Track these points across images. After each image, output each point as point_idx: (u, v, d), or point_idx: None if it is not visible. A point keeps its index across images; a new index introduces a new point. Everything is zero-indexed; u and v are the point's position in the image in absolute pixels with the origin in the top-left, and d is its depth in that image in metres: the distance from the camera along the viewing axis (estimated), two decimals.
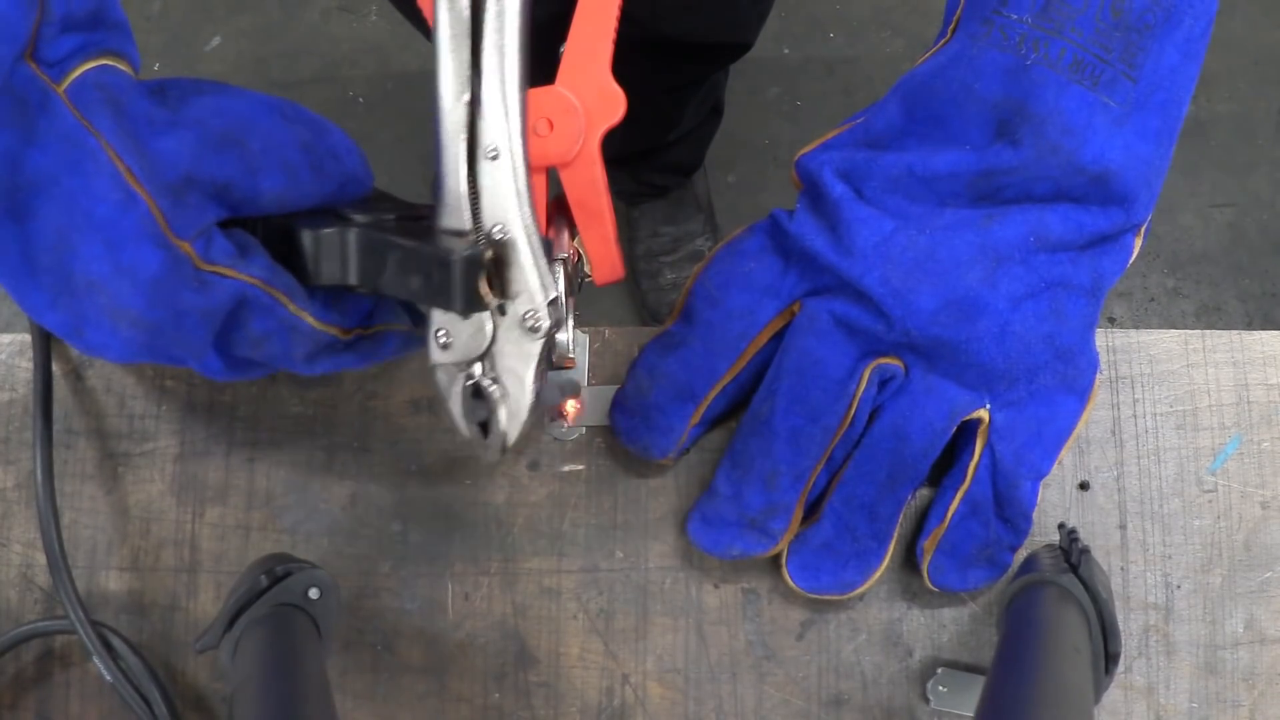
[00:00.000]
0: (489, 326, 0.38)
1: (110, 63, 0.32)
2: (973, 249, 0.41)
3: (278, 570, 0.41)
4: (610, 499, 0.48)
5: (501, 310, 0.38)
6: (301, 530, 0.48)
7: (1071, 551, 0.42)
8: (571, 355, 0.40)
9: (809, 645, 0.46)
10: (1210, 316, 1.35)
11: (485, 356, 0.38)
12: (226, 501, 0.48)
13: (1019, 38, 0.39)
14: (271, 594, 0.41)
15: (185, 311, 0.33)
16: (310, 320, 0.37)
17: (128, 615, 0.47)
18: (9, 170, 0.30)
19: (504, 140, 0.36)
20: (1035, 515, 0.44)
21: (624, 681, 0.47)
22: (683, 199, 1.32)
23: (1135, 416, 0.47)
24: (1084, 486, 0.47)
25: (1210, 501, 0.47)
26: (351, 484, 0.48)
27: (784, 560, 0.45)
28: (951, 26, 0.42)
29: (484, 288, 0.36)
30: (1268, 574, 0.46)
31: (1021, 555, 0.45)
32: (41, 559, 0.46)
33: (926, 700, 0.45)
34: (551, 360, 0.39)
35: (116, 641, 0.45)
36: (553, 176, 0.42)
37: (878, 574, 0.44)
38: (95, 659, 0.44)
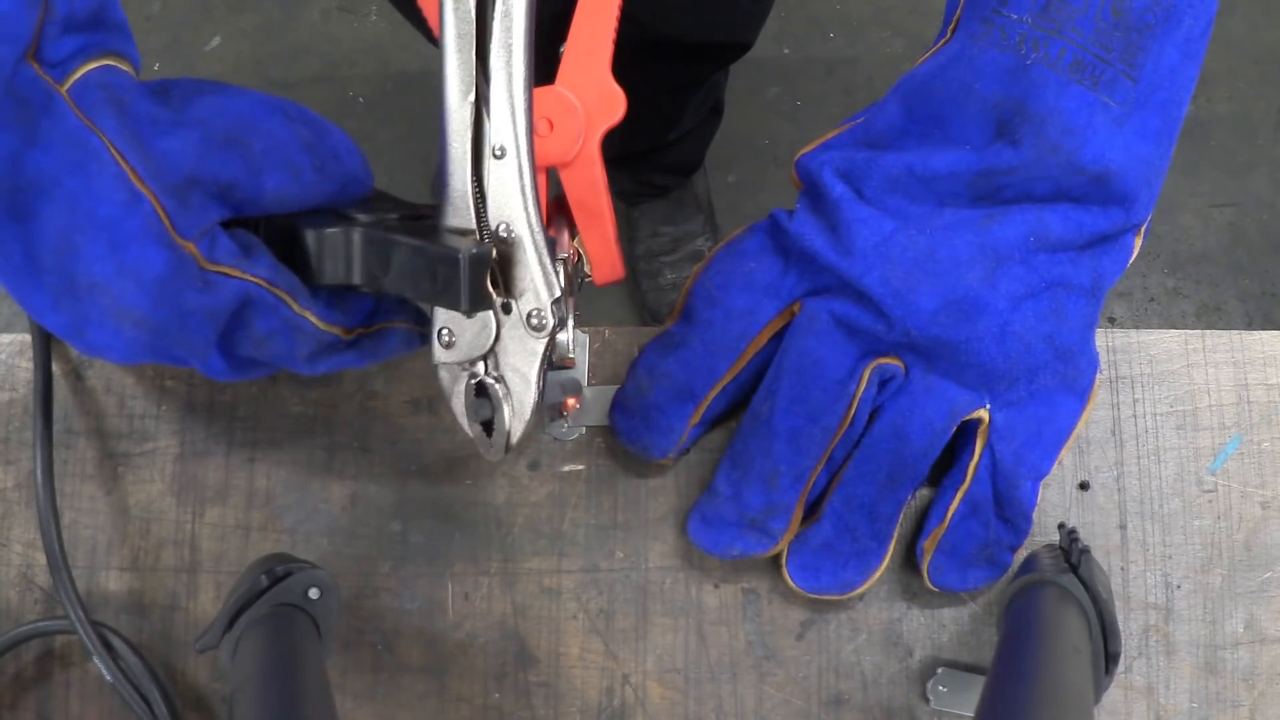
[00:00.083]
0: (493, 325, 0.38)
1: (112, 63, 0.33)
2: (973, 249, 0.41)
3: (278, 570, 0.41)
4: (610, 499, 0.48)
5: (506, 309, 0.38)
6: (301, 530, 0.48)
7: (1071, 551, 0.42)
8: (572, 355, 0.40)
9: (809, 645, 0.46)
10: (1210, 316, 1.35)
11: (489, 355, 0.38)
12: (226, 501, 0.48)
13: (1019, 37, 0.39)
14: (271, 594, 0.41)
15: (189, 312, 0.33)
16: (314, 320, 0.37)
17: (128, 615, 0.47)
18: (11, 171, 0.30)
19: (510, 139, 0.36)
20: (1035, 515, 0.44)
21: (624, 681, 0.47)
22: (683, 199, 1.32)
23: (1135, 416, 0.47)
24: (1084, 486, 0.47)
25: (1210, 501, 0.47)
26: (351, 484, 0.48)
27: (784, 560, 0.45)
28: (951, 26, 0.42)
29: (489, 286, 0.36)
30: (1268, 574, 0.46)
31: (1021, 555, 0.45)
32: (41, 559, 0.46)
33: (926, 700, 0.45)
34: (551, 360, 0.39)
35: (116, 641, 0.45)
36: (553, 176, 0.42)
37: (878, 574, 0.44)
38: (95, 659, 0.44)
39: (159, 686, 0.45)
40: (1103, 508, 0.47)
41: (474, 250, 0.35)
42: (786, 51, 1.43)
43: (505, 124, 0.36)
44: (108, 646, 0.44)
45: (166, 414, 0.49)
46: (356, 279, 0.37)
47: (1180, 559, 0.46)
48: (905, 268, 0.41)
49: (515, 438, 0.39)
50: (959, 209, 0.42)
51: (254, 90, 0.36)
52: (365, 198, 0.39)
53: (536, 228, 0.37)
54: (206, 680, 0.47)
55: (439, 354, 0.39)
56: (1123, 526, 0.47)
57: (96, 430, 0.48)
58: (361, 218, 0.37)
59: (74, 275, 0.31)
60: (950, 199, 0.42)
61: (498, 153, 0.36)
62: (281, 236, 0.37)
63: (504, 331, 0.38)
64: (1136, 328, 1.24)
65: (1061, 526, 0.43)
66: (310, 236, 0.37)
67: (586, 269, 0.43)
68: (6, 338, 0.49)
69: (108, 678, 0.44)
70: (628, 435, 0.46)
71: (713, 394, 0.45)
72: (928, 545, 0.45)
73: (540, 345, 0.38)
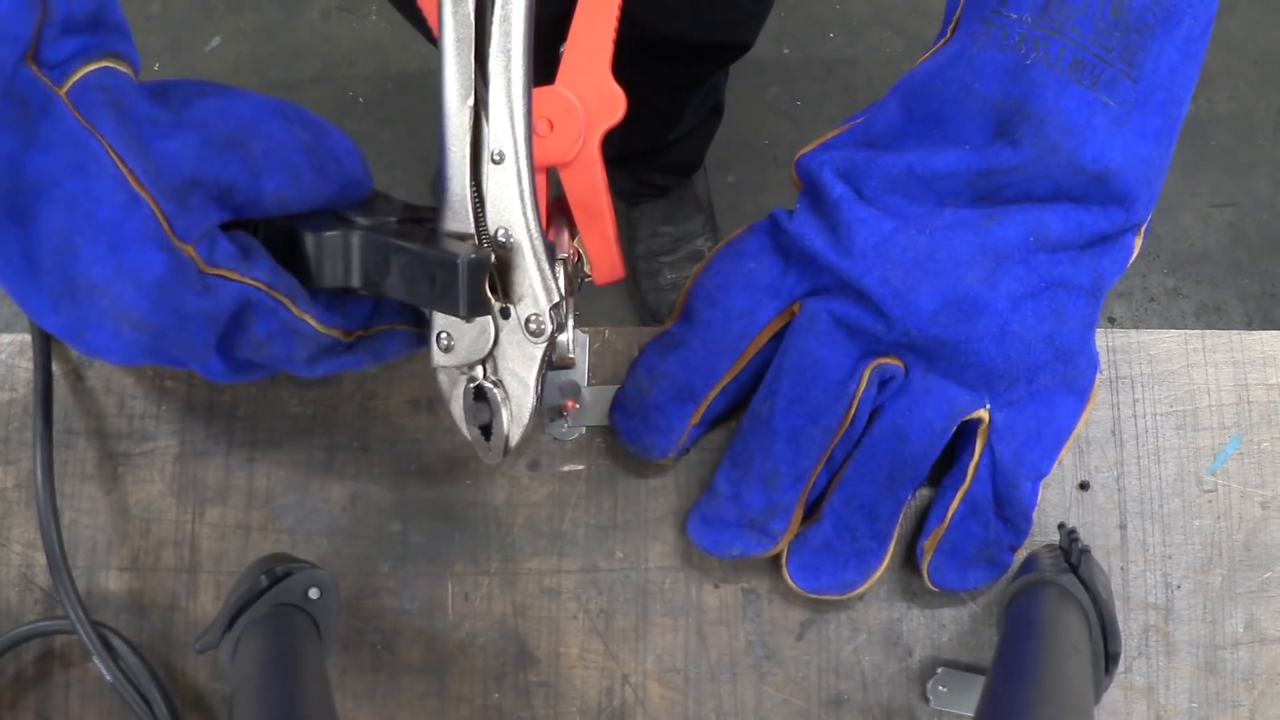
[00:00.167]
0: (492, 329, 0.38)
1: (111, 65, 0.32)
2: (972, 249, 0.41)
3: (278, 570, 0.41)
4: (610, 499, 0.48)
5: (504, 313, 0.38)
6: (301, 530, 0.48)
7: (1071, 551, 0.42)
8: (571, 355, 0.40)
9: (809, 645, 0.46)
10: (1210, 316, 1.35)
11: (487, 359, 0.38)
12: (226, 501, 0.48)
13: (1019, 37, 0.39)
14: (271, 594, 0.41)
15: (188, 314, 0.33)
16: (313, 323, 0.37)
17: (128, 615, 0.47)
18: (10, 173, 0.30)
19: (509, 144, 0.36)
20: (1035, 515, 0.44)
21: (624, 681, 0.47)
22: (683, 199, 1.32)
23: (1135, 416, 0.47)
24: (1084, 486, 0.47)
25: (1210, 501, 0.47)
26: (351, 484, 0.48)
27: (784, 560, 0.45)
28: (951, 26, 0.42)
29: (488, 291, 0.36)
30: (1268, 574, 0.46)
31: (1021, 555, 0.45)
32: (41, 559, 0.46)
33: (926, 700, 0.45)
34: (551, 360, 0.39)
35: (116, 641, 0.45)
36: (553, 177, 0.42)
37: (878, 574, 0.44)
38: (95, 659, 0.44)
39: (159, 686, 0.45)
40: (1103, 508, 0.47)
41: (472, 255, 0.35)
42: (786, 51, 1.43)
43: (504, 129, 0.36)
44: (108, 646, 0.44)
45: (166, 414, 0.49)
46: (355, 282, 0.37)
47: (1180, 559, 0.46)
48: (905, 268, 0.41)
49: (514, 442, 0.39)
50: (959, 209, 0.42)
51: (253, 92, 0.36)
52: (365, 199, 0.39)
53: (535, 233, 0.37)
54: (206, 680, 0.47)
55: (438, 358, 0.39)
56: (1123, 526, 0.47)
57: (96, 430, 0.48)
58: (361, 221, 0.37)
59: (73, 277, 0.31)
60: (950, 199, 0.42)
61: (496, 158, 0.36)
62: (281, 239, 0.37)
63: (503, 336, 0.38)
64: (1136, 328, 1.24)
65: (1061, 526, 0.43)
66: (310, 240, 0.37)
67: (586, 269, 0.43)
68: (6, 338, 0.49)
69: (108, 678, 0.44)
70: (628, 435, 0.46)
71: (713, 394, 0.45)
72: (928, 545, 0.45)
73: (538, 350, 0.38)
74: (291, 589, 0.41)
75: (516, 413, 0.39)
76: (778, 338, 0.45)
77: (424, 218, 0.39)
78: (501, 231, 0.37)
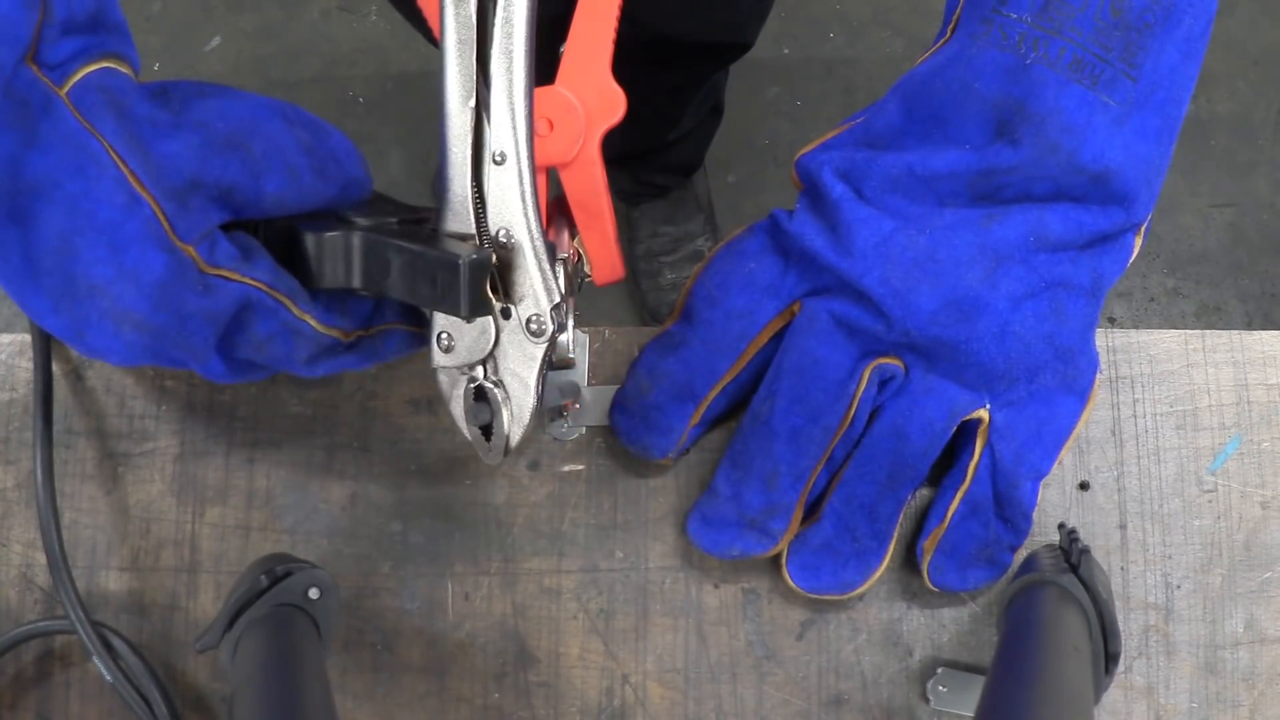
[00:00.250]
0: (492, 330, 0.38)
1: (112, 65, 0.32)
2: (972, 249, 0.41)
3: (278, 570, 0.41)
4: (610, 499, 0.48)
5: (505, 314, 0.38)
6: (301, 530, 0.48)
7: (1071, 551, 0.42)
8: (572, 355, 0.40)
9: (809, 645, 0.47)
10: (1210, 316, 1.35)
11: (488, 359, 0.38)
12: (226, 501, 0.48)
13: (1019, 37, 0.39)
14: (271, 594, 0.41)
15: (189, 315, 0.33)
16: (314, 323, 0.37)
17: (128, 615, 0.47)
18: (10, 174, 0.30)
19: (511, 145, 0.36)
20: (1035, 515, 0.44)
21: (624, 681, 0.47)
22: (683, 199, 1.32)
23: (1135, 416, 0.47)
24: (1084, 486, 0.47)
25: (1210, 501, 0.47)
26: (351, 484, 0.48)
27: (784, 560, 0.45)
28: (951, 26, 0.42)
29: (489, 291, 0.36)
30: (1268, 574, 0.46)
31: (1021, 555, 0.45)
32: (41, 559, 0.46)
33: (926, 700, 0.46)
34: (551, 361, 0.39)
35: (116, 641, 0.45)
36: (553, 177, 0.42)
37: (878, 574, 0.44)
38: (95, 659, 0.44)
39: (159, 686, 0.45)
40: (1103, 508, 0.47)
41: (474, 256, 0.35)
42: (786, 51, 1.43)
43: (506, 130, 0.36)
44: (108, 646, 0.44)
45: (166, 414, 0.49)
46: (356, 283, 0.37)
47: (1180, 559, 0.46)
48: (905, 268, 0.41)
49: (514, 442, 0.39)
50: (959, 209, 0.42)
51: (253, 93, 0.36)
52: (365, 200, 0.39)
53: (536, 233, 0.37)
54: (206, 680, 0.47)
55: (438, 358, 0.39)
56: (1123, 526, 0.47)
57: (96, 430, 0.48)
58: (361, 222, 0.37)
59: (73, 278, 0.31)
60: (950, 199, 0.42)
61: (498, 158, 0.36)
62: (281, 240, 0.37)
63: (503, 336, 0.38)
64: (1136, 328, 1.24)
65: (1061, 526, 0.43)
66: (310, 240, 0.37)
67: (586, 269, 0.43)
68: (6, 338, 0.49)
69: (108, 678, 0.44)
70: (628, 435, 0.46)
71: (713, 394, 0.45)
72: (928, 545, 0.45)
73: (539, 350, 0.38)
74: (291, 589, 0.41)
75: (517, 413, 0.39)
76: (778, 338, 0.45)
77: (424, 218, 0.40)
78: (502, 232, 0.37)
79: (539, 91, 0.39)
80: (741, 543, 0.44)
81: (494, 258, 0.36)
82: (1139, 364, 0.48)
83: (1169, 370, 0.48)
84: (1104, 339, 0.48)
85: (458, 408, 0.40)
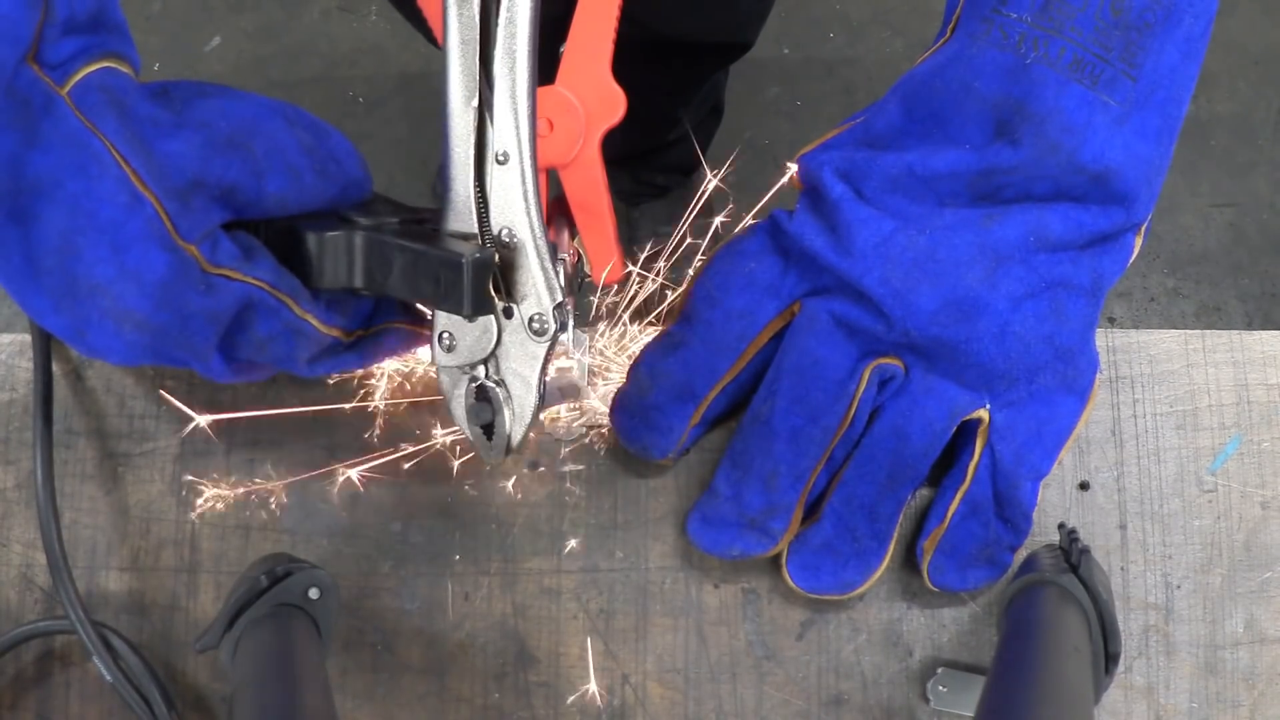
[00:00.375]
0: (494, 329, 0.38)
1: (113, 65, 0.32)
2: (973, 249, 0.41)
3: (278, 570, 0.41)
4: (610, 499, 0.48)
5: (507, 313, 0.38)
6: (301, 530, 0.48)
7: (1071, 551, 0.42)
8: (572, 355, 0.40)
9: (809, 645, 0.46)
10: (1210, 316, 1.35)
11: (490, 359, 0.38)
12: (226, 502, 0.48)
13: (1019, 37, 0.39)
14: (271, 594, 0.41)
15: (191, 314, 0.33)
16: (315, 323, 0.37)
17: (128, 615, 0.47)
18: (12, 173, 0.30)
19: (514, 145, 0.36)
20: (1035, 515, 0.44)
21: (624, 681, 0.47)
22: (683, 199, 1.32)
23: (1135, 416, 0.47)
24: (1084, 486, 0.47)
25: (1210, 501, 0.47)
26: (351, 484, 0.48)
27: (784, 560, 0.45)
28: (951, 26, 0.42)
29: (491, 290, 0.36)
30: (1268, 574, 0.46)
31: (1021, 555, 0.45)
32: (41, 559, 0.46)
33: (926, 700, 0.45)
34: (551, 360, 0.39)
35: (116, 641, 0.45)
36: (553, 177, 0.42)
37: (878, 574, 0.44)
38: (95, 659, 0.44)
39: (159, 686, 0.45)
40: (1103, 508, 0.47)
41: (477, 255, 0.35)
42: (786, 51, 1.43)
43: (509, 129, 0.36)
44: (108, 646, 0.44)
45: (166, 414, 0.49)
46: (358, 282, 0.37)
47: (1180, 559, 0.46)
48: (905, 268, 0.41)
49: (516, 441, 0.39)
50: (959, 209, 0.42)
51: (254, 93, 0.36)
52: (364, 201, 0.39)
53: (539, 233, 0.37)
54: (206, 680, 0.47)
55: (440, 357, 0.39)
56: (1123, 526, 0.47)
57: (96, 430, 0.48)
58: (363, 221, 0.37)
59: (75, 277, 0.31)
60: (950, 199, 0.42)
61: (500, 158, 0.36)
62: (282, 239, 0.37)
63: (505, 336, 0.38)
64: (1136, 328, 1.24)
65: (1061, 526, 0.43)
66: (312, 240, 0.37)
67: (586, 269, 0.43)
68: (6, 338, 0.49)
69: (108, 678, 0.44)
70: (628, 435, 0.46)
71: (713, 394, 0.45)
72: (928, 545, 0.45)
73: (542, 349, 0.38)
74: (291, 589, 0.41)
75: (519, 412, 0.39)
76: (778, 338, 0.45)
77: (423, 219, 0.40)
78: (505, 231, 0.37)
79: (540, 91, 0.39)
80: (741, 543, 0.44)
81: (497, 257, 0.37)
82: (1139, 364, 0.48)
83: (1169, 370, 0.48)
84: (1104, 339, 0.48)
85: (459, 407, 0.40)
